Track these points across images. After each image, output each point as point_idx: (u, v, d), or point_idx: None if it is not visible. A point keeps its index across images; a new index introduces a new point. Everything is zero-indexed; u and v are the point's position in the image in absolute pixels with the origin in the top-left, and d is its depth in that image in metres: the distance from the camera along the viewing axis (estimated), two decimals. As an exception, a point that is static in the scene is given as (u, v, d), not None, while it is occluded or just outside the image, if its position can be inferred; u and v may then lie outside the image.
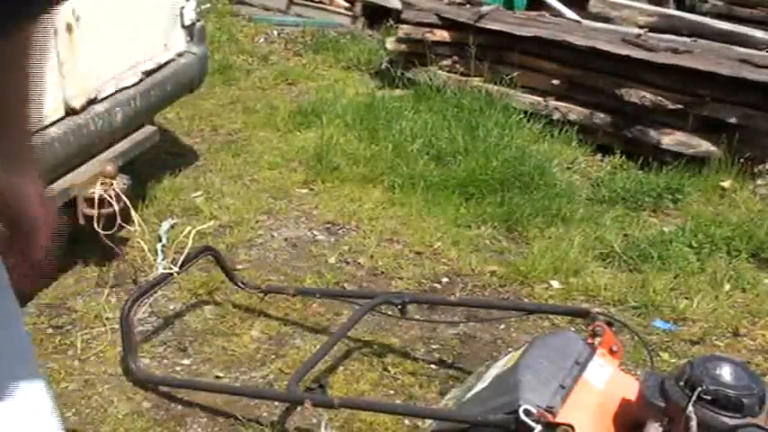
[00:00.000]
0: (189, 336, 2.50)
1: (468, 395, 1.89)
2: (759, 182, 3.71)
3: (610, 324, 1.95)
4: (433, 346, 2.49)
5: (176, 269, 2.41)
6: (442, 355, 2.45)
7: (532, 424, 1.55)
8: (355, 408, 2.11)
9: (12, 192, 1.01)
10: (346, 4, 5.96)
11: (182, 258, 2.45)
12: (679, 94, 3.77)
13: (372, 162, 3.66)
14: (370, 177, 3.55)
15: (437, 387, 2.30)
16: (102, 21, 2.55)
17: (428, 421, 2.01)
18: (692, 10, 5.70)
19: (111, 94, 2.66)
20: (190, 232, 2.66)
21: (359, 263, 2.95)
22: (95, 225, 2.52)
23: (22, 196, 1.02)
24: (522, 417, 1.56)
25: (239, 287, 2.61)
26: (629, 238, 3.18)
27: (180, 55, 3.08)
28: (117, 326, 2.41)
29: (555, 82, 4.24)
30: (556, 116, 4.16)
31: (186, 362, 2.38)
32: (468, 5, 4.70)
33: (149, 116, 3.02)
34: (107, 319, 2.55)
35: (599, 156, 4.02)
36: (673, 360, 2.46)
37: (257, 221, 3.18)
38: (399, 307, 2.32)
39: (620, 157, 3.92)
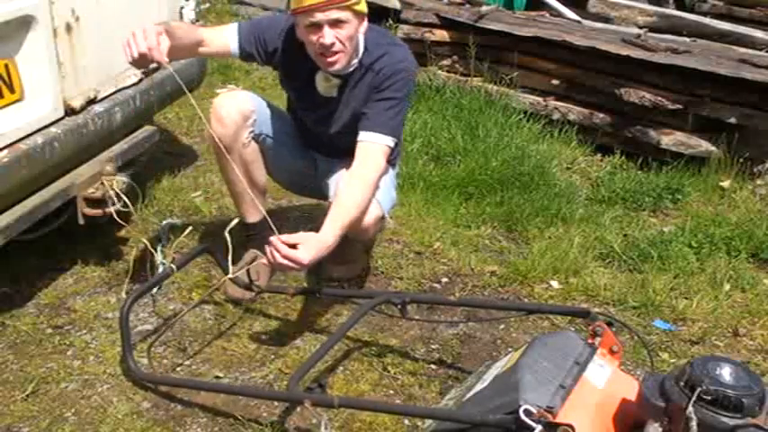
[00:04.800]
0: (189, 336, 2.49)
1: (468, 395, 1.89)
2: (758, 182, 3.71)
3: (610, 324, 1.95)
4: (433, 346, 2.49)
5: (176, 268, 2.41)
6: (441, 355, 2.45)
7: (532, 424, 1.55)
8: (355, 407, 2.11)
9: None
10: (346, 4, 5.95)
11: (181, 258, 2.45)
12: (679, 94, 3.77)
13: (372, 162, 3.66)
14: (369, 177, 3.55)
15: (437, 387, 2.30)
16: (101, 21, 2.54)
17: (428, 421, 2.01)
18: (691, 10, 5.71)
19: (111, 94, 2.66)
20: (190, 232, 2.67)
21: (359, 263, 2.94)
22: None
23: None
24: (523, 417, 1.56)
25: (239, 287, 2.60)
26: (628, 238, 3.19)
27: (180, 55, 3.08)
28: (116, 325, 2.41)
29: (555, 82, 4.25)
30: (556, 116, 4.17)
31: (186, 362, 2.38)
32: (467, 5, 4.70)
33: (149, 116, 3.02)
34: (106, 318, 2.55)
35: (599, 156, 4.02)
36: (672, 360, 2.46)
37: (257, 221, 3.18)
38: (399, 307, 2.32)
39: (620, 157, 3.93)
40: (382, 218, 2.53)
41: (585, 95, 4.15)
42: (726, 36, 4.66)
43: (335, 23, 2.27)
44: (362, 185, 2.35)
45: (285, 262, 2.07)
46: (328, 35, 2.28)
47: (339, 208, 2.28)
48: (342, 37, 2.29)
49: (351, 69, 2.43)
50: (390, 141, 2.41)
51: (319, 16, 2.25)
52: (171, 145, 3.87)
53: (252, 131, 2.58)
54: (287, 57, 2.48)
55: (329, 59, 2.34)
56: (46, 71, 2.33)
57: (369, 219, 2.43)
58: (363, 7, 2.32)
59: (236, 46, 2.48)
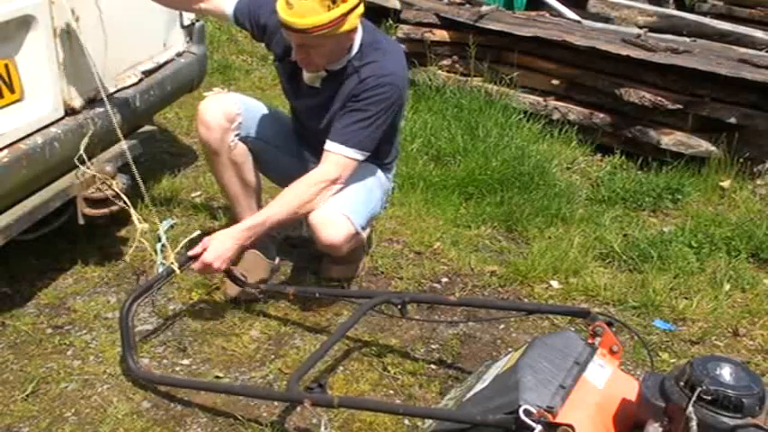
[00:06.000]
0: (188, 336, 2.49)
1: (468, 395, 1.89)
2: (758, 182, 3.72)
3: (610, 324, 1.95)
4: (433, 346, 2.49)
5: (176, 268, 2.41)
6: (441, 355, 2.45)
7: (532, 424, 1.55)
8: (355, 407, 2.10)
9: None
10: (346, 4, 5.95)
11: (182, 258, 2.45)
12: (679, 94, 3.78)
13: (372, 162, 3.66)
14: (369, 177, 3.55)
15: (437, 387, 2.30)
16: (101, 21, 2.54)
17: (428, 421, 2.01)
18: (691, 10, 5.71)
19: (111, 94, 2.66)
20: (189, 232, 2.66)
21: (358, 263, 2.94)
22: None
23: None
24: (522, 417, 1.56)
25: (239, 287, 2.60)
26: (628, 238, 3.19)
27: (179, 55, 3.08)
28: (116, 325, 2.41)
29: (555, 82, 4.25)
30: (556, 116, 4.17)
31: (186, 362, 2.38)
32: (467, 5, 4.70)
33: (149, 116, 3.02)
34: (106, 318, 2.55)
35: (599, 156, 4.03)
36: (672, 360, 2.46)
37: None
38: (399, 307, 2.32)
39: (620, 156, 3.93)
40: (355, 234, 2.46)
41: (585, 95, 4.15)
42: (726, 36, 4.67)
43: (302, 46, 2.27)
44: (301, 192, 2.37)
45: (203, 266, 2.31)
46: (297, 52, 2.31)
47: (266, 209, 2.41)
48: (312, 54, 2.30)
49: (339, 67, 2.40)
50: (353, 153, 2.37)
51: (289, 33, 2.25)
52: (171, 145, 3.87)
53: (237, 134, 2.58)
54: (276, 39, 2.46)
55: (304, 65, 2.37)
56: (46, 71, 2.33)
57: (337, 235, 2.40)
58: (348, 25, 2.23)
59: (232, 12, 2.52)
